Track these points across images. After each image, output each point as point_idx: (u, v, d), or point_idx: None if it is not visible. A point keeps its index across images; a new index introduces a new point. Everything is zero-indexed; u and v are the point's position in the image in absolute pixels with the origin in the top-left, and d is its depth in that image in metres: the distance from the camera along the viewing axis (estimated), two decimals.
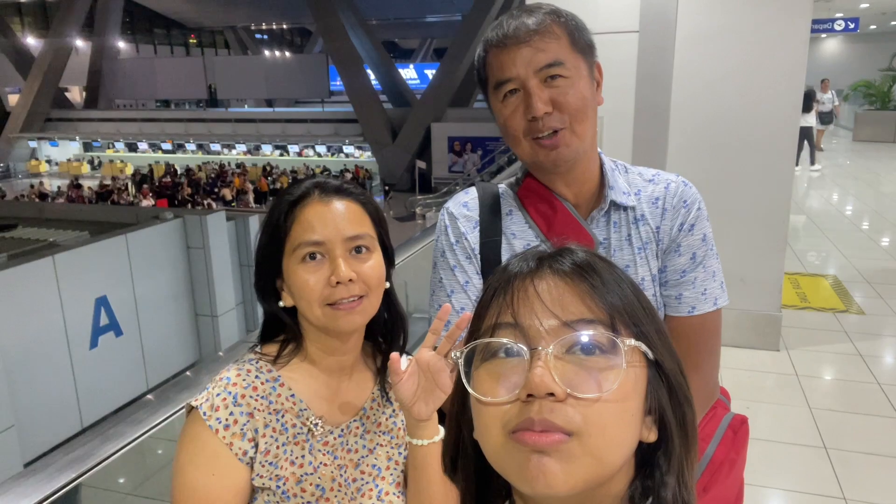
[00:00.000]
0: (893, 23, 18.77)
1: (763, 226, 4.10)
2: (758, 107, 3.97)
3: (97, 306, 8.26)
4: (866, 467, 3.07)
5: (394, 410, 1.12)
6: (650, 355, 0.57)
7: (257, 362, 1.05)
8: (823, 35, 19.60)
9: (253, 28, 43.14)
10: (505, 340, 0.57)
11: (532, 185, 1.20)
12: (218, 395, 0.99)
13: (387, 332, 1.15)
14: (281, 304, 1.05)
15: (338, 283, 0.98)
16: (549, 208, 1.17)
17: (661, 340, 0.59)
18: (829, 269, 6.05)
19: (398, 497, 1.06)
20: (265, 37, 46.76)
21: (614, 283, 0.59)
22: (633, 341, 0.56)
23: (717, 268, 1.19)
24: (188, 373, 1.66)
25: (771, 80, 3.92)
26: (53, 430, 7.31)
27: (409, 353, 1.17)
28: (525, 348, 0.55)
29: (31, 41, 32.80)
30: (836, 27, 17.15)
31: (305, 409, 1.03)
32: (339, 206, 1.02)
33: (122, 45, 35.79)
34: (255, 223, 10.88)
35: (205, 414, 0.97)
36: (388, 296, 1.11)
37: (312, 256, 0.99)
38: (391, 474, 1.07)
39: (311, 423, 1.03)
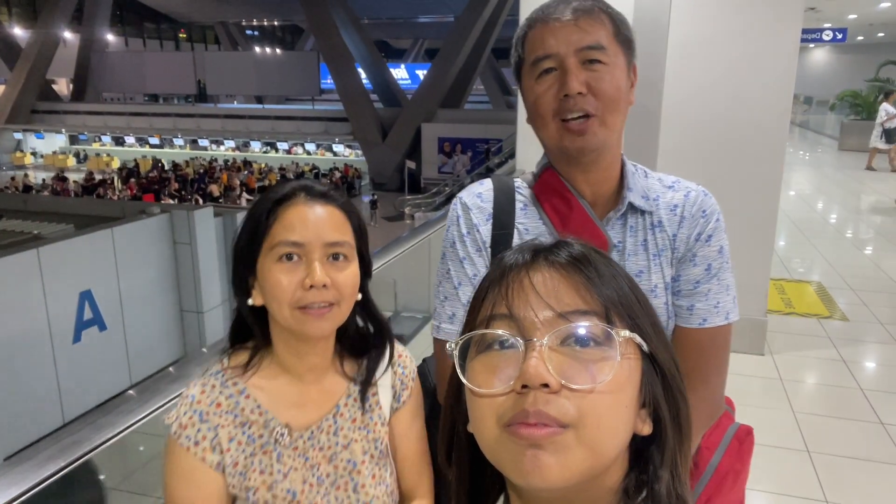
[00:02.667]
0: (880, 34, 19.01)
1: (750, 231, 4.13)
2: (747, 113, 4.01)
3: (81, 300, 8.17)
4: (848, 471, 3.10)
5: (370, 406, 1.12)
6: (645, 347, 0.57)
7: (222, 375, 1.05)
8: (811, 45, 19.81)
9: (244, 24, 42.92)
10: (500, 332, 0.57)
11: (550, 179, 1.17)
12: (185, 413, 1.01)
13: (363, 343, 1.14)
14: (250, 301, 1.04)
15: (311, 286, 0.97)
16: (564, 205, 1.15)
17: (656, 334, 0.59)
18: (814, 276, 6.11)
19: (376, 488, 1.08)
20: (256, 33, 46.54)
21: (610, 276, 0.59)
22: (627, 333, 0.56)
23: (731, 282, 1.16)
24: (171, 369, 1.64)
25: (761, 87, 3.95)
26: (35, 425, 7.22)
27: (399, 348, 1.17)
28: (520, 340, 0.55)
29: (18, 31, 32.44)
30: (825, 37, 17.34)
31: (272, 419, 1.04)
32: (323, 210, 1.02)
33: (110, 37, 35.46)
34: (242, 220, 10.80)
35: (175, 433, 1.01)
36: (368, 306, 1.12)
37: (289, 257, 0.99)
38: (367, 468, 1.08)
39: (277, 433, 1.04)
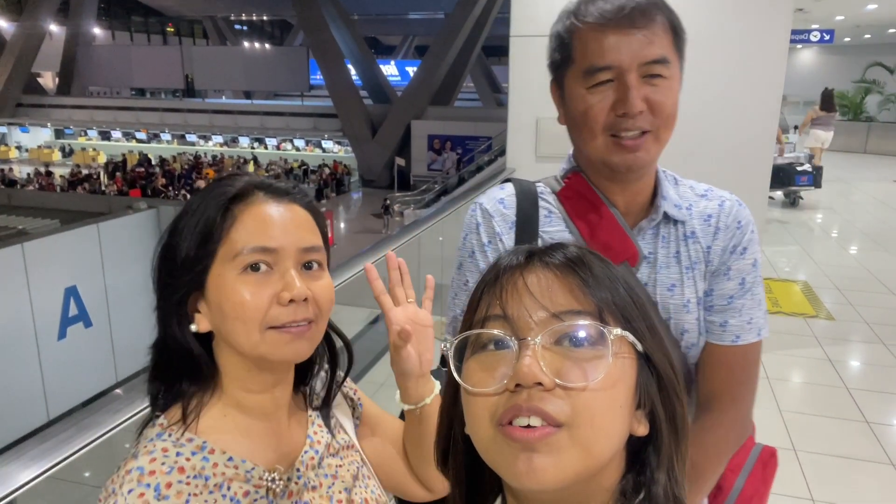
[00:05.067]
0: (867, 36, 19.20)
1: None
2: (736, 113, 4.03)
3: (66, 296, 8.11)
4: (834, 469, 3.13)
5: (334, 426, 0.98)
6: (639, 347, 0.57)
7: (169, 435, 0.81)
8: (799, 46, 19.97)
9: (232, 18, 42.67)
10: (494, 332, 0.57)
11: (579, 185, 1.09)
12: (131, 492, 0.74)
13: (309, 362, 0.94)
14: (193, 327, 0.82)
15: (290, 301, 0.79)
16: (594, 213, 1.07)
17: (652, 335, 0.59)
18: (800, 276, 6.17)
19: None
20: (245, 28, 46.27)
21: (606, 278, 0.59)
22: (619, 331, 0.56)
23: (763, 296, 1.11)
24: None
25: (750, 87, 3.97)
26: (19, 422, 7.15)
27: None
28: (514, 339, 0.55)
29: (3, 24, 32.05)
30: (812, 38, 17.48)
31: (252, 469, 0.83)
32: (290, 211, 0.84)
33: (97, 31, 35.16)
34: None
35: None
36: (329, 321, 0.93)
37: (256, 267, 0.79)
38: (359, 486, 0.97)
39: (266, 480, 0.84)
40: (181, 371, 0.84)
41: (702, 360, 1.10)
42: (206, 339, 0.84)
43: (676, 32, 1.00)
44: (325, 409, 0.96)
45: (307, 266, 0.83)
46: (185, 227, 0.81)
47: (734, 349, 1.08)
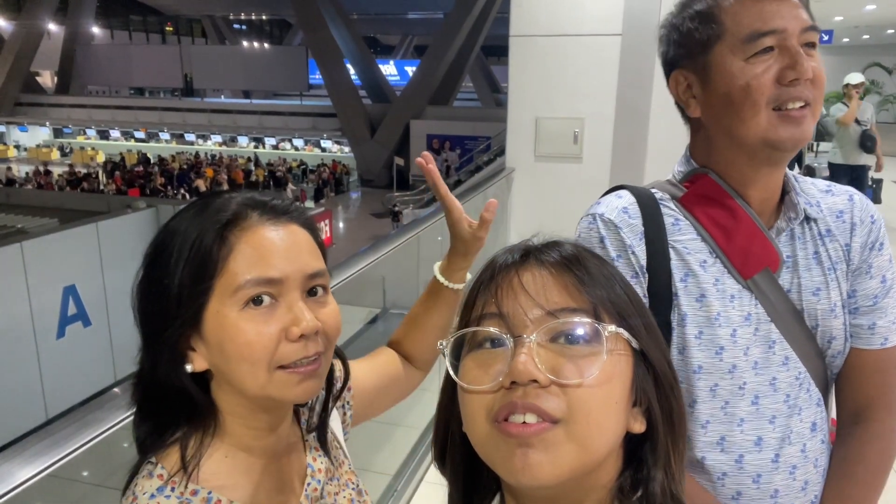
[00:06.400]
0: (865, 36, 19.23)
1: None
2: None
3: (65, 295, 8.11)
4: None
5: (333, 437, 0.92)
6: (634, 344, 0.58)
7: (170, 488, 0.72)
8: None
9: (231, 18, 42.64)
10: (490, 329, 0.57)
11: (708, 186, 1.01)
12: None
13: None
14: (189, 367, 0.73)
15: (301, 336, 0.71)
16: (727, 216, 0.98)
17: (648, 334, 0.59)
18: None
19: None
20: (243, 27, 46.25)
21: (602, 276, 0.59)
22: (614, 328, 0.56)
23: None
24: None
25: None
26: (18, 421, 7.15)
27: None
28: (509, 337, 0.56)
29: (2, 23, 32.03)
30: None
31: None
32: (291, 233, 0.75)
33: (96, 30, 35.15)
34: None
35: None
36: None
37: (258, 300, 0.71)
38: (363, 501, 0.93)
39: None
40: (175, 412, 0.75)
41: (848, 367, 1.03)
42: (200, 373, 0.75)
43: (809, 8, 0.95)
44: (322, 430, 0.89)
45: (311, 292, 0.75)
46: (172, 257, 0.72)
47: (884, 353, 1.01)
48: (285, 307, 0.72)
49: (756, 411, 0.98)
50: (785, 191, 1.02)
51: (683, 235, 1.00)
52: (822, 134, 7.99)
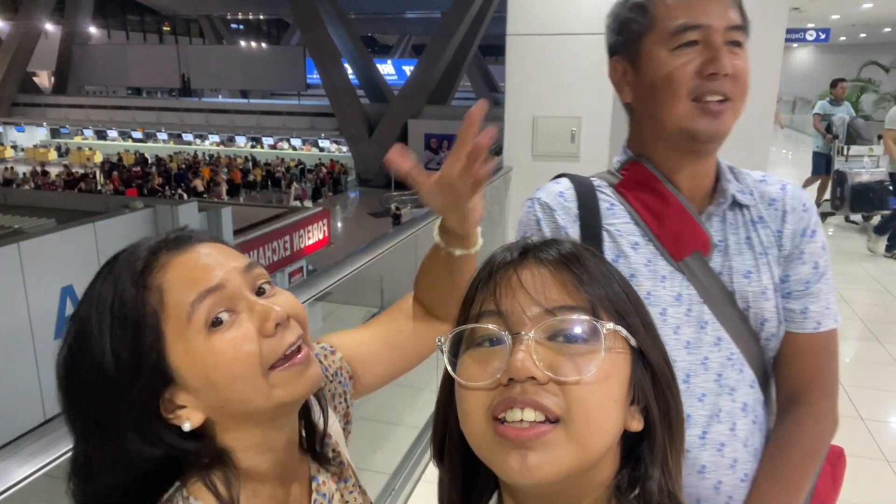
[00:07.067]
0: (862, 35, 19.26)
1: None
2: None
3: (63, 296, 8.08)
4: None
5: (329, 450, 0.88)
6: (632, 342, 0.58)
7: None
8: (795, 45, 20.02)
9: (229, 17, 42.60)
10: (488, 326, 0.57)
11: (640, 173, 1.06)
12: None
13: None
14: (187, 425, 0.68)
15: (277, 325, 0.69)
16: (658, 201, 1.04)
17: (646, 332, 0.60)
18: None
19: None
20: (241, 27, 46.21)
21: (600, 274, 0.59)
22: (612, 325, 0.56)
23: (832, 283, 1.08)
24: None
25: None
26: (15, 421, 7.14)
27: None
28: (507, 334, 0.56)
29: None
30: (808, 37, 17.51)
31: None
32: (208, 247, 0.72)
33: (93, 30, 35.09)
34: (227, 215, 10.73)
35: None
36: None
37: (217, 322, 0.67)
38: None
39: None
40: (152, 482, 0.69)
41: (783, 352, 1.06)
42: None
43: (742, 13, 1.00)
44: (322, 439, 0.86)
45: (260, 292, 0.72)
46: (93, 332, 0.66)
47: (817, 337, 1.05)
48: (246, 312, 0.69)
49: (686, 390, 1.00)
50: (718, 178, 1.07)
51: (617, 219, 1.05)
52: (853, 137, 7.98)
